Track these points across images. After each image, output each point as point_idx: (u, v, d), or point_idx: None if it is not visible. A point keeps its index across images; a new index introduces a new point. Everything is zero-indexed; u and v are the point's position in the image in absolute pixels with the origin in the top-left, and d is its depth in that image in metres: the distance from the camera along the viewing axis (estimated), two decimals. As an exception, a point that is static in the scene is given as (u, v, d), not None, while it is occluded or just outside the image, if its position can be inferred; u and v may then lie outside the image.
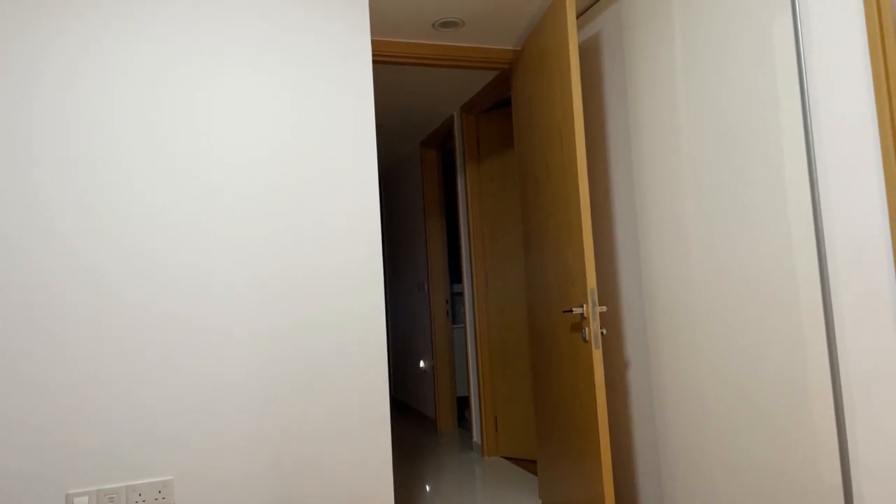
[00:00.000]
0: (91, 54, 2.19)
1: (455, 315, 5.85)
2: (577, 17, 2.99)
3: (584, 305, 2.40)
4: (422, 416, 5.37)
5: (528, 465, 3.82)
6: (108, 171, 2.18)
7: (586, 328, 2.39)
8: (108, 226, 2.16)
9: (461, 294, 5.92)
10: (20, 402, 2.03)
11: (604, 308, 2.41)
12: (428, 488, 3.46)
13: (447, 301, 4.98)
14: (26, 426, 2.03)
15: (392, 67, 3.53)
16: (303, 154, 2.41)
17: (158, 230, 2.22)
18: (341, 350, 2.38)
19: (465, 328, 4.35)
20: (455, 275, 6.14)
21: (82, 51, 2.18)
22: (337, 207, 2.43)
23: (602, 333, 2.39)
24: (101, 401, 2.11)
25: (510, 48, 3.26)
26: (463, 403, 5.63)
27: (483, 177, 4.11)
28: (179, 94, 2.28)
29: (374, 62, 3.13)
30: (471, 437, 4.41)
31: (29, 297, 2.06)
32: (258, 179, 2.34)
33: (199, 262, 2.25)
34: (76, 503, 2.05)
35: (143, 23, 2.26)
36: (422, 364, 5.34)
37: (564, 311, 2.52)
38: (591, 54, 2.94)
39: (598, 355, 2.35)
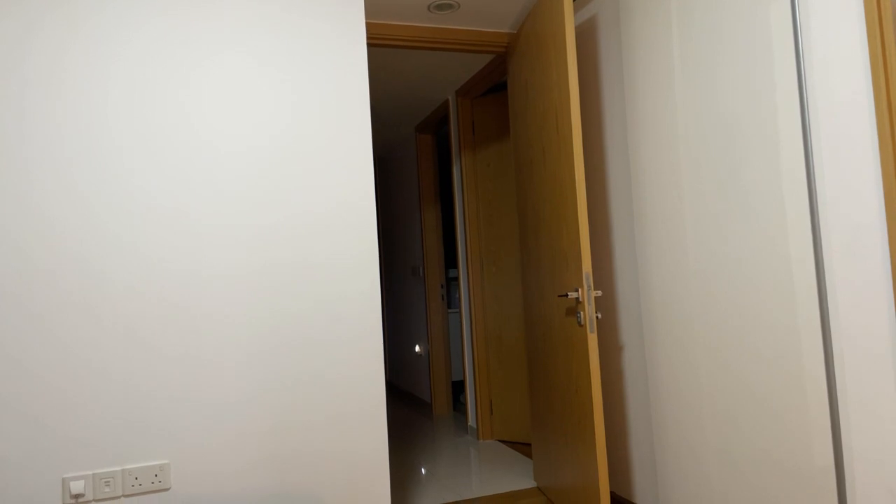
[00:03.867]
0: (81, 37, 2.16)
1: (450, 300, 5.86)
2: (574, 0, 2.97)
3: (580, 289, 2.40)
4: (417, 401, 5.39)
5: (523, 448, 3.85)
6: (99, 158, 2.16)
7: (581, 312, 2.39)
8: (101, 213, 2.15)
9: (456, 279, 5.92)
10: (14, 388, 2.03)
11: (599, 292, 2.41)
12: (423, 472, 3.49)
13: (442, 286, 4.98)
14: (21, 412, 2.03)
15: (386, 51, 3.50)
16: (296, 140, 2.39)
17: (152, 217, 2.20)
18: (337, 337, 2.38)
19: (460, 313, 4.35)
20: (450, 259, 6.14)
21: (72, 35, 2.15)
22: (331, 194, 2.42)
23: (597, 317, 2.40)
24: (96, 386, 2.11)
25: (506, 31, 3.23)
26: (458, 387, 5.66)
27: (479, 161, 4.10)
28: (171, 77, 2.25)
29: (369, 45, 3.10)
30: (466, 420, 4.44)
31: (22, 285, 2.05)
32: (251, 166, 2.33)
33: (194, 249, 2.24)
34: (72, 487, 2.05)
35: (132, 6, 2.23)
36: (417, 348, 5.35)
37: (559, 295, 2.52)
38: (587, 37, 2.92)
39: (593, 339, 2.36)
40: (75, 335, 2.09)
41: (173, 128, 2.24)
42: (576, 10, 3.00)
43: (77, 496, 2.06)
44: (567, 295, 2.43)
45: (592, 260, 2.95)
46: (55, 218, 2.10)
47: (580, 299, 2.41)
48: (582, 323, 2.40)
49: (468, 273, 4.13)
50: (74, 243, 2.11)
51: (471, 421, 4.24)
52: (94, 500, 2.09)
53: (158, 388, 2.17)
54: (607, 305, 2.85)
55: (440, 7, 2.92)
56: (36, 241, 2.08)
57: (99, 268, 2.13)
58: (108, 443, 2.11)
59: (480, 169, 4.09)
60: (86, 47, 2.16)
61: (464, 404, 4.43)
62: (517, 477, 3.31)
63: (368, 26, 3.02)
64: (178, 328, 2.20)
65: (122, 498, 2.12)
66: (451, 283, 5.96)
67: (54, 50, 2.13)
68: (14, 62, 2.09)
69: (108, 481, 2.10)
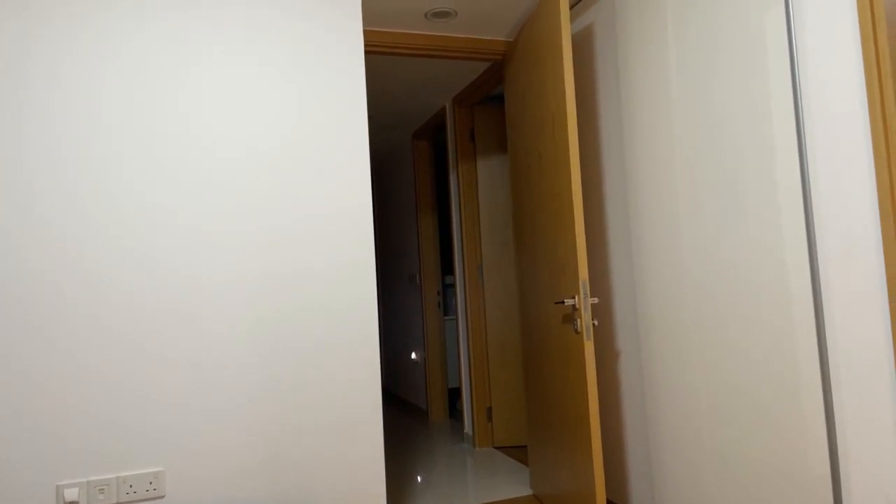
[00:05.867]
0: (79, 40, 2.17)
1: (446, 307, 5.86)
2: (570, 8, 2.98)
3: (576, 297, 2.40)
4: (413, 407, 5.38)
5: (519, 455, 3.84)
6: (98, 163, 2.16)
7: (578, 319, 2.39)
8: (99, 217, 2.15)
9: (452, 286, 5.92)
10: (8, 393, 2.02)
11: (595, 299, 2.41)
12: (419, 479, 3.47)
13: (439, 293, 4.98)
14: (15, 417, 2.02)
15: (383, 58, 3.51)
16: (294, 146, 2.39)
17: (149, 222, 2.20)
18: (334, 343, 2.38)
19: (456, 320, 4.35)
20: (447, 266, 6.13)
21: (71, 37, 2.16)
22: (329, 200, 2.42)
23: (594, 324, 2.40)
24: (92, 392, 2.10)
25: (503, 39, 3.24)
26: (454, 395, 5.65)
27: (475, 168, 4.11)
28: (169, 81, 2.25)
29: (366, 52, 3.11)
30: (462, 427, 4.43)
31: (19, 289, 2.05)
32: (248, 172, 2.33)
33: (192, 254, 2.24)
34: (66, 494, 2.04)
35: (132, 7, 2.23)
36: (413, 355, 5.34)
37: (556, 303, 2.52)
38: (584, 45, 2.94)
39: (589, 346, 2.36)
40: (72, 340, 2.09)
41: (171, 132, 2.24)
42: (572, 18, 3.01)
43: None
44: (564, 302, 2.44)
45: (589, 267, 2.95)
46: (53, 221, 2.10)
47: (577, 306, 2.41)
48: (578, 330, 2.40)
49: (465, 280, 4.13)
50: (73, 247, 2.11)
51: (467, 428, 4.23)
52: (89, 508, 2.07)
53: (154, 394, 2.16)
54: (604, 312, 2.85)
55: (437, 15, 2.94)
56: (34, 244, 2.07)
57: (97, 272, 2.13)
58: (103, 449, 2.10)
59: (477, 176, 4.10)
60: (85, 49, 2.16)
61: (460, 411, 4.43)
62: (513, 484, 3.30)
63: (366, 34, 3.03)
64: (174, 333, 2.20)
65: (117, 505, 2.10)
66: (447, 290, 5.96)
67: (53, 53, 2.13)
68: (13, 65, 2.09)
69: (103, 489, 2.09)
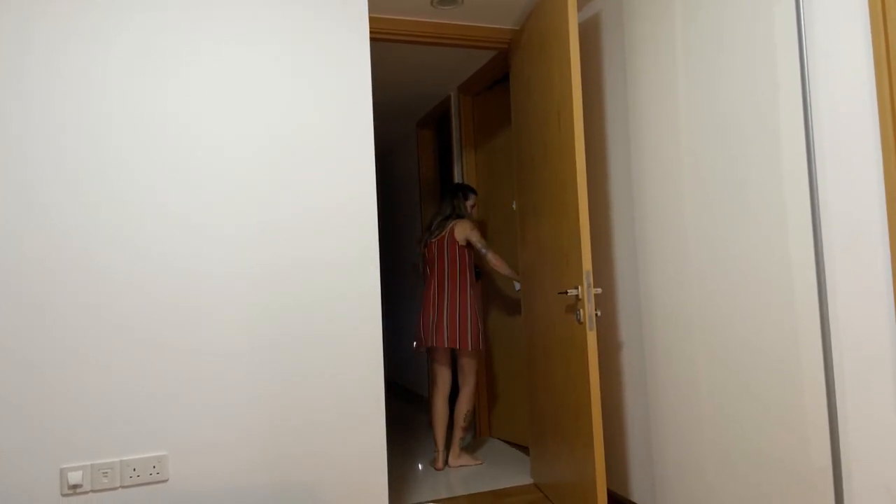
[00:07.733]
0: (78, 30, 2.16)
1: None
2: (577, -3, 2.96)
3: (580, 287, 2.40)
4: (415, 396, 5.40)
5: (521, 446, 3.85)
6: (99, 155, 2.15)
7: (581, 310, 2.39)
8: (101, 209, 2.14)
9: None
10: (13, 379, 2.03)
11: (599, 290, 2.41)
12: (420, 467, 3.49)
13: (442, 282, 4.97)
14: (20, 402, 2.03)
15: (387, 45, 3.49)
16: (297, 137, 2.38)
17: (152, 214, 2.20)
18: (337, 333, 2.38)
19: (459, 309, 4.34)
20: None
21: (70, 27, 2.15)
22: (332, 191, 2.41)
23: (597, 315, 2.40)
24: (96, 379, 2.11)
25: (509, 28, 3.22)
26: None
27: (479, 157, 4.09)
28: (170, 73, 2.24)
29: (371, 40, 3.09)
30: (463, 417, 4.43)
31: (21, 279, 2.05)
32: (251, 164, 2.32)
33: (195, 246, 2.24)
34: (70, 477, 2.06)
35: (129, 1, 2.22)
36: (415, 345, 5.34)
37: (559, 293, 2.52)
38: (590, 35, 2.92)
39: (592, 337, 2.36)
40: (76, 329, 2.09)
41: (173, 125, 2.24)
42: (579, 6, 2.99)
43: (75, 487, 2.07)
44: (567, 292, 2.43)
45: (593, 257, 2.95)
46: (55, 214, 2.10)
47: (580, 296, 2.41)
48: (581, 320, 2.40)
49: (468, 269, 4.12)
50: (76, 240, 2.11)
51: (468, 417, 4.24)
52: (92, 491, 2.09)
53: (158, 382, 2.17)
54: (607, 303, 2.85)
55: (443, 2, 2.92)
56: (38, 237, 2.07)
57: (98, 263, 2.13)
58: (107, 434, 2.11)
59: (481, 165, 4.08)
60: (83, 39, 2.15)
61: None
62: (515, 473, 3.31)
63: (371, 20, 3.01)
64: (179, 324, 2.20)
65: (120, 489, 2.12)
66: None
67: (53, 44, 2.12)
68: (13, 60, 2.08)
69: (107, 472, 2.10)
